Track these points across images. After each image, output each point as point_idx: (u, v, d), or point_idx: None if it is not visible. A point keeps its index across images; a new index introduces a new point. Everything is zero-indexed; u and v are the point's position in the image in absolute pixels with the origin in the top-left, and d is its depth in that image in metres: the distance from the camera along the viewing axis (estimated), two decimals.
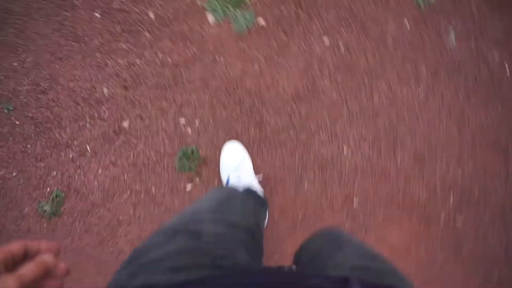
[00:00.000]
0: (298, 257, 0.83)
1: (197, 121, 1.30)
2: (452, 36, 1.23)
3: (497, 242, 1.25)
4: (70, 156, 1.36)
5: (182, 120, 1.31)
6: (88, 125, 1.34)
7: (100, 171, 1.35)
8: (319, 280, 0.45)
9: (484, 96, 1.23)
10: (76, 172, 1.37)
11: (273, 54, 1.27)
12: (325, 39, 1.25)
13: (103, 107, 1.33)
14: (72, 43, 1.32)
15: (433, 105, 1.25)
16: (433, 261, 1.27)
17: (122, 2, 1.30)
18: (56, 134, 1.36)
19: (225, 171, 1.25)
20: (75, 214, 1.38)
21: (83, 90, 1.34)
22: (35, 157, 1.38)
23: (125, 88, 1.32)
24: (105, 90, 1.33)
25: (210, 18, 1.28)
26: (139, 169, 1.34)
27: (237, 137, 1.29)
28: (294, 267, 0.68)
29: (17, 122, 1.37)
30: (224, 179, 1.26)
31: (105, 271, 1.37)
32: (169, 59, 1.30)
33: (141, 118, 1.32)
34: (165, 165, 1.33)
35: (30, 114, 1.36)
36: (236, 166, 1.22)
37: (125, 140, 1.34)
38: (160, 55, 1.30)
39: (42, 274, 0.32)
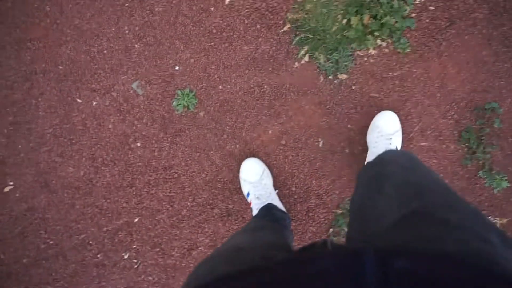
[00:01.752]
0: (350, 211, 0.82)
1: None
2: None
3: None
4: None
5: None
6: None
7: None
8: (329, 262, 0.39)
9: None
10: None
11: None
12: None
13: None
14: None
15: None
16: None
17: None
18: None
19: (245, 186, 1.28)
20: None
21: None
22: None
23: None
24: None
25: None
26: None
27: None
28: (330, 240, 0.60)
29: None
30: (245, 194, 1.29)
31: None
32: None
33: None
34: None
35: None
36: (255, 182, 1.24)
37: None
38: None
39: None
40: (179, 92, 1.34)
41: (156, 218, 1.39)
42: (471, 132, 1.25)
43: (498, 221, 1.28)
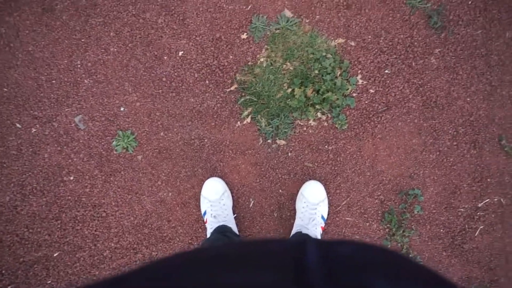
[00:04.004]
0: None
1: None
2: None
3: None
4: None
5: None
6: None
7: None
8: (277, 245, 0.45)
9: None
10: None
11: None
12: None
13: None
14: None
15: None
16: None
17: None
18: None
19: (204, 204, 1.28)
20: None
21: None
22: None
23: None
24: None
25: None
26: None
27: None
28: None
29: None
30: (202, 211, 1.29)
31: None
32: None
33: None
34: None
35: None
36: (214, 200, 1.25)
37: None
38: None
39: None
40: (120, 132, 1.34)
41: (77, 256, 1.36)
42: (393, 214, 1.29)
43: None
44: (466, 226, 1.30)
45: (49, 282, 1.35)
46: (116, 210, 1.36)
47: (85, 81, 1.36)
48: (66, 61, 1.36)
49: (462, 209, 1.30)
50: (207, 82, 1.35)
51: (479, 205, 1.30)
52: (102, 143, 1.35)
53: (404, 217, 1.29)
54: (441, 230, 1.31)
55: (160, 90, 1.35)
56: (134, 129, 1.36)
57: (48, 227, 1.36)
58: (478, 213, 1.30)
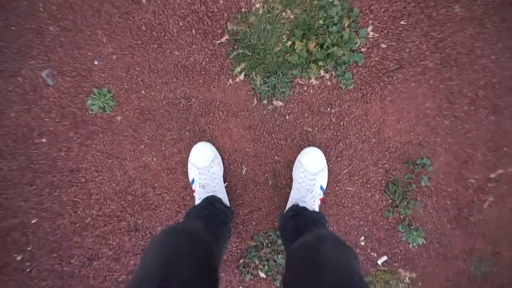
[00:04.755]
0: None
1: None
2: None
3: None
4: None
5: None
6: None
7: None
8: None
9: None
10: None
11: None
12: None
13: None
14: None
15: None
16: None
17: None
18: None
19: (192, 172, 1.17)
20: None
21: None
22: None
23: None
24: None
25: None
26: None
27: None
28: None
29: None
30: (190, 179, 1.19)
31: None
32: None
33: None
34: None
35: None
36: (203, 168, 1.13)
37: None
38: None
39: None
40: (95, 90, 1.18)
41: (57, 223, 1.26)
42: (398, 185, 1.19)
43: (408, 274, 1.26)
44: (475, 198, 1.21)
45: (29, 249, 1.28)
46: (96, 175, 1.24)
47: (51, 28, 1.16)
48: (25, 3, 1.15)
49: (472, 180, 1.20)
50: (193, 31, 1.16)
51: (492, 176, 1.19)
52: (76, 102, 1.20)
53: (409, 188, 1.19)
54: (448, 202, 1.22)
55: (139, 41, 1.17)
56: (111, 86, 1.19)
57: (22, 193, 1.24)
58: (490, 185, 1.20)
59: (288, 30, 1.14)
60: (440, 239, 1.24)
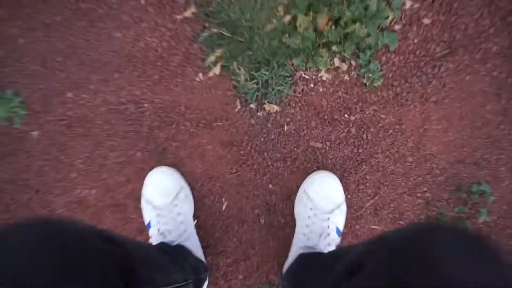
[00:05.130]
0: None
1: None
2: None
3: None
4: None
5: None
6: None
7: None
8: None
9: None
10: None
11: None
12: None
13: None
14: None
15: None
16: None
17: None
18: None
19: (147, 211, 0.79)
20: None
21: None
22: None
23: None
24: None
25: None
26: None
27: None
28: None
29: None
30: (145, 222, 0.80)
31: None
32: None
33: None
34: None
35: None
36: (163, 206, 0.76)
37: None
38: None
39: None
40: None
41: None
42: (445, 221, 0.84)
43: None
44: None
45: None
46: (8, 217, 0.85)
47: None
48: None
49: None
50: (142, 1, 0.76)
51: None
52: None
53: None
54: (511, 242, 0.87)
55: (59, 16, 0.76)
56: (19, 87, 0.79)
57: None
58: None
59: (286, 0, 0.76)
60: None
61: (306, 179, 0.81)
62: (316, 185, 0.78)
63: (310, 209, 0.77)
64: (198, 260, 0.79)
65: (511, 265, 0.31)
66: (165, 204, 0.77)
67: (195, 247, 0.80)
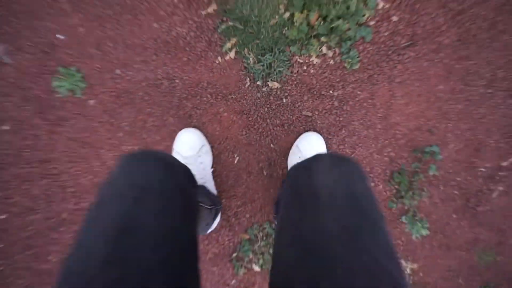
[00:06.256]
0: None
1: None
2: None
3: None
4: None
5: None
6: None
7: None
8: None
9: None
10: None
11: None
12: None
13: None
14: None
15: None
16: None
17: None
18: None
19: None
20: None
21: None
22: None
23: None
24: None
25: None
26: None
27: None
28: None
29: None
30: None
31: None
32: None
33: None
34: None
35: None
36: (190, 157, 1.00)
37: None
38: None
39: None
40: (62, 69, 1.01)
41: (29, 218, 1.14)
42: (404, 174, 1.10)
43: (409, 265, 1.21)
44: (484, 187, 1.13)
45: (2, 246, 1.16)
46: (70, 166, 1.11)
47: None
48: None
49: (483, 169, 1.11)
50: (175, 0, 0.99)
51: (503, 164, 1.11)
52: (39, 83, 1.03)
53: (416, 178, 1.10)
54: (456, 192, 1.14)
55: (110, 11, 0.99)
56: (80, 65, 1.02)
57: None
58: (500, 173, 1.12)
59: (286, 0, 0.98)
60: (445, 230, 1.17)
61: (299, 137, 1.06)
62: (305, 140, 1.03)
63: (299, 157, 1.02)
64: (215, 196, 1.06)
65: (356, 166, 0.58)
66: (191, 156, 1.02)
67: (212, 188, 1.06)
